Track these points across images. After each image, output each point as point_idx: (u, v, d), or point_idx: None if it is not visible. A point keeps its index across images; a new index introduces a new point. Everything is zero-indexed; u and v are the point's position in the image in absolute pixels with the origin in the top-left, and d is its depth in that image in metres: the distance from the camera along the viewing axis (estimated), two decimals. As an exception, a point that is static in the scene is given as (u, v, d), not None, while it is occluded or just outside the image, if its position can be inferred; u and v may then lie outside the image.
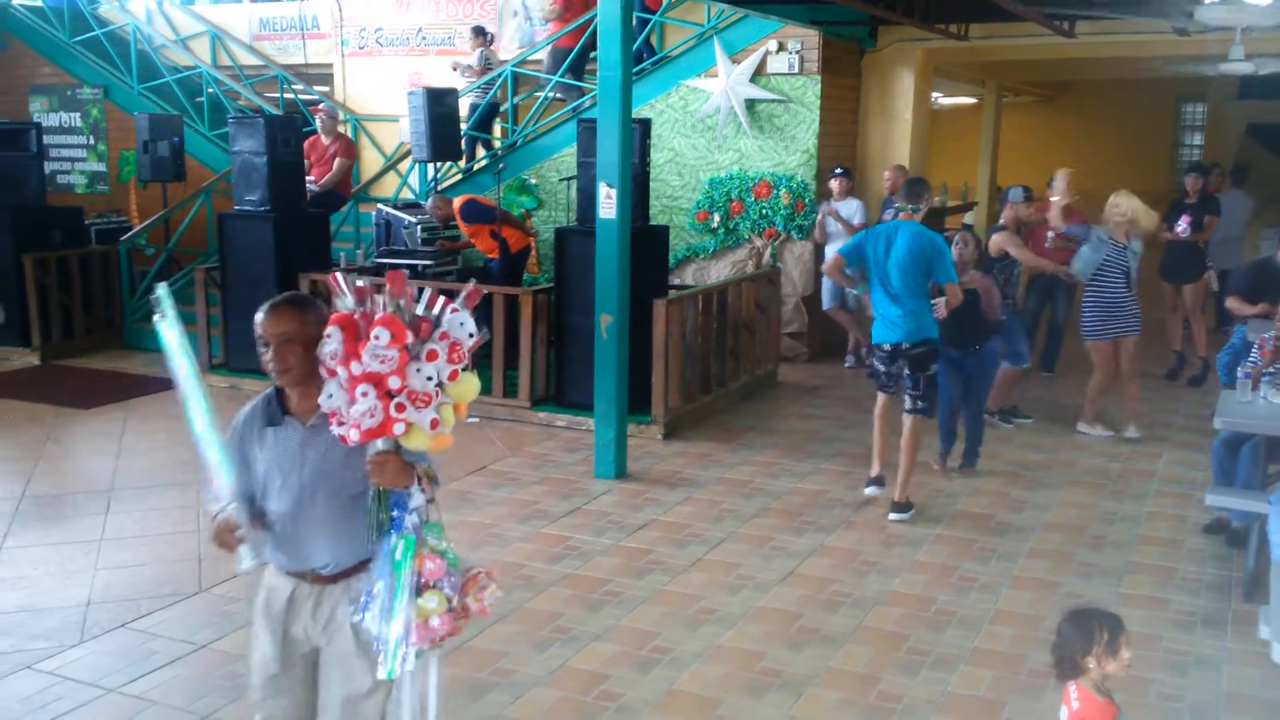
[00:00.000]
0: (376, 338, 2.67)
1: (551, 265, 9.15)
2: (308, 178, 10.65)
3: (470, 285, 2.86)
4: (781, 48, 10.34)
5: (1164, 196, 13.30)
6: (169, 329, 3.00)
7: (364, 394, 2.69)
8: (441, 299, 2.80)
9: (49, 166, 12.96)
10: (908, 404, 6.55)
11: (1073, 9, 9.29)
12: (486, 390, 8.58)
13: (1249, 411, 5.78)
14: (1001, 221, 8.56)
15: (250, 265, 9.48)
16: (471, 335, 2.79)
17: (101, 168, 14.08)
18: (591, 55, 10.78)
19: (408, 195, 11.83)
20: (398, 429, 2.73)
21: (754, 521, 6.44)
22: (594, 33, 10.71)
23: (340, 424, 2.78)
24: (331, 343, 2.74)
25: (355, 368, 2.70)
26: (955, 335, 7.08)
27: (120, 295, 11.40)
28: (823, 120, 10.34)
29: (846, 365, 10.58)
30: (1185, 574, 5.72)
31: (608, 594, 5.41)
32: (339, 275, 2.83)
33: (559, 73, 10.99)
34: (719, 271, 10.63)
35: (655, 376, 8.04)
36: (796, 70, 10.30)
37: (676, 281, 10.16)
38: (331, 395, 2.77)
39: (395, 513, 2.87)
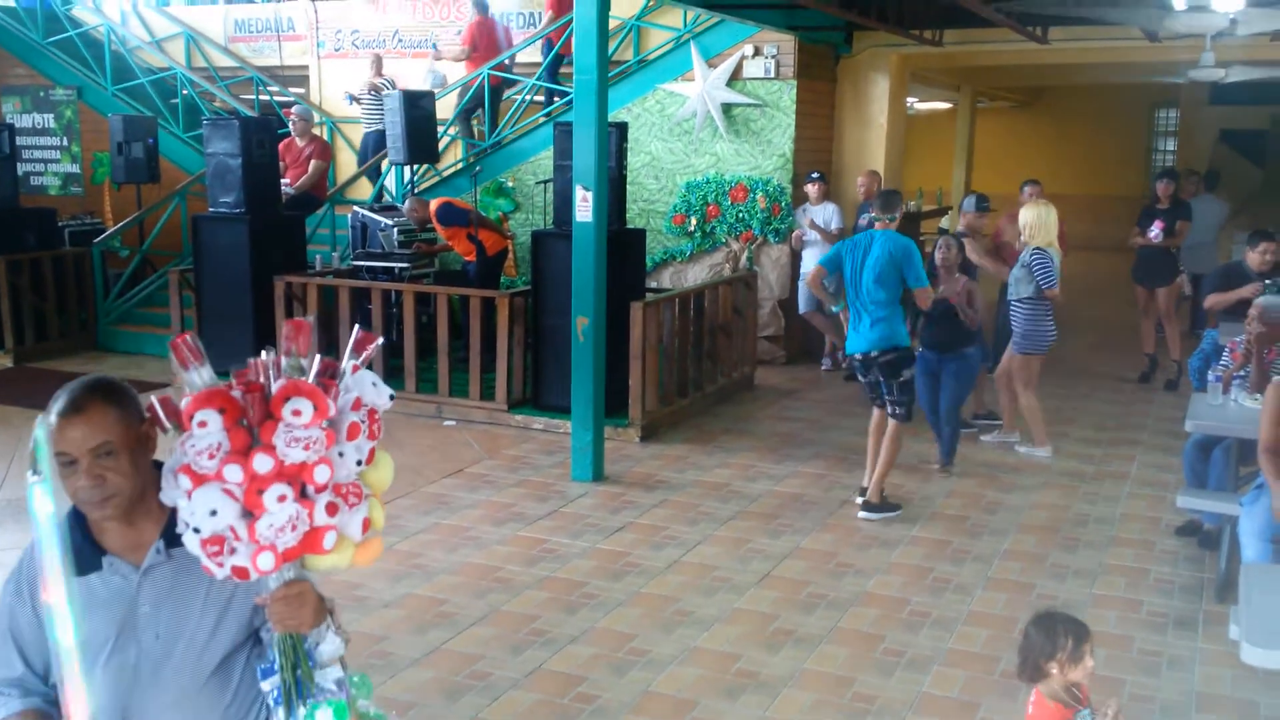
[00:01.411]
0: (295, 413, 1.95)
1: (529, 268, 9.14)
2: (282, 180, 10.61)
3: (356, 332, 2.15)
4: (757, 52, 10.38)
5: (1137, 201, 13.43)
6: (42, 497, 1.99)
7: (281, 498, 1.96)
8: (319, 358, 2.07)
9: (22, 168, 12.86)
10: (887, 409, 6.65)
11: (1045, 15, 9.36)
12: (464, 393, 8.59)
13: (1220, 414, 5.83)
14: (961, 228, 8.63)
15: (225, 268, 9.44)
16: (392, 397, 2.15)
17: (75, 169, 13.98)
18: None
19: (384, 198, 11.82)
20: (329, 540, 2.03)
21: (730, 524, 6.46)
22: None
23: (230, 551, 2.00)
24: (209, 434, 1.94)
25: (263, 463, 1.95)
26: (937, 341, 7.16)
27: (94, 298, 11.32)
28: (798, 125, 10.39)
29: (823, 368, 10.61)
30: (1158, 575, 5.77)
31: (584, 596, 5.42)
32: (188, 338, 2.04)
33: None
34: (696, 275, 10.66)
35: (632, 379, 8.05)
36: (772, 75, 10.35)
37: (653, 285, 10.17)
38: (216, 512, 1.95)
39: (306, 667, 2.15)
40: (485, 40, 11.57)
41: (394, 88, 11.77)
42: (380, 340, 2.18)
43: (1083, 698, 3.03)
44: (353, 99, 11.97)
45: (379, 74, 11.80)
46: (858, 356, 6.66)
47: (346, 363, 2.10)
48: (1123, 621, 5.19)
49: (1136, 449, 8.06)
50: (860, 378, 6.83)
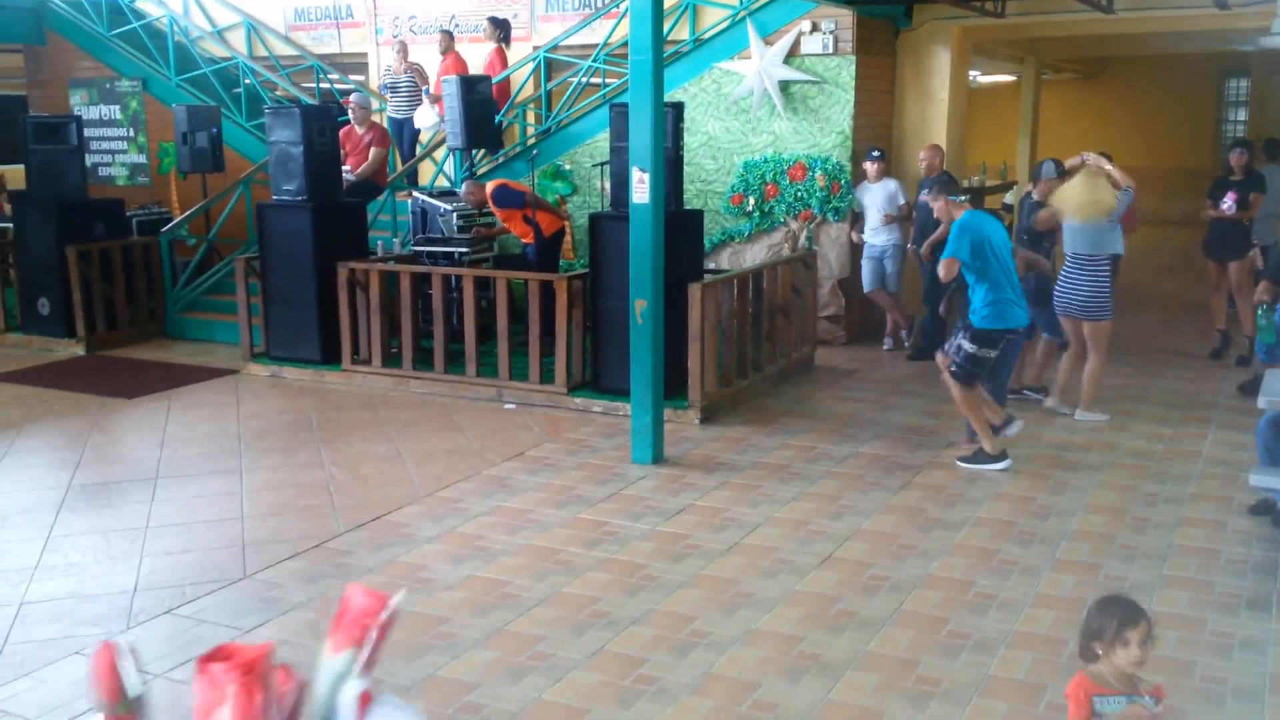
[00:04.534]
0: None
1: (586, 251, 9.15)
2: (344, 167, 10.72)
3: (352, 597, 1.34)
4: (815, 28, 10.26)
5: (1207, 174, 13.13)
6: None
7: None
8: (295, 680, 1.12)
9: (90, 159, 13.11)
10: (951, 365, 6.96)
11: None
12: (523, 376, 8.64)
13: (1294, 391, 5.69)
14: (1036, 198, 8.47)
15: (289, 255, 9.57)
16: None
17: (142, 159, 14.23)
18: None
19: (443, 183, 11.89)
20: None
21: (791, 505, 6.43)
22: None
23: None
24: None
25: None
26: None
27: (162, 286, 11.55)
28: (858, 101, 10.26)
29: (885, 348, 10.52)
30: (1230, 556, 5.65)
31: (645, 578, 5.43)
32: (110, 657, 1.20)
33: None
34: (754, 255, 10.60)
35: (691, 361, 8.03)
36: (830, 51, 10.23)
37: (712, 265, 10.14)
38: None
39: None
40: None
41: (422, 75, 11.88)
42: (396, 600, 1.45)
43: (1155, 692, 2.96)
44: (386, 88, 12.08)
45: (405, 61, 11.88)
46: (1023, 330, 7.08)
47: (339, 689, 1.11)
48: (1194, 603, 5.09)
49: (1208, 427, 7.90)
50: (992, 354, 6.95)
